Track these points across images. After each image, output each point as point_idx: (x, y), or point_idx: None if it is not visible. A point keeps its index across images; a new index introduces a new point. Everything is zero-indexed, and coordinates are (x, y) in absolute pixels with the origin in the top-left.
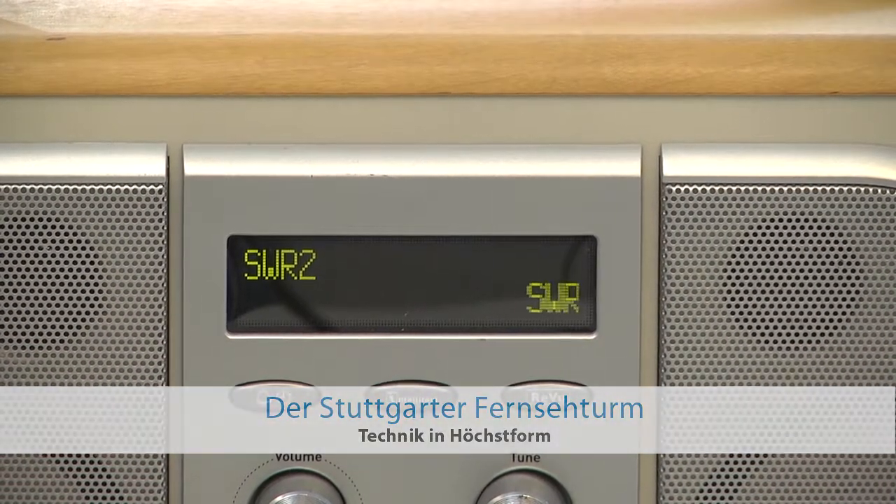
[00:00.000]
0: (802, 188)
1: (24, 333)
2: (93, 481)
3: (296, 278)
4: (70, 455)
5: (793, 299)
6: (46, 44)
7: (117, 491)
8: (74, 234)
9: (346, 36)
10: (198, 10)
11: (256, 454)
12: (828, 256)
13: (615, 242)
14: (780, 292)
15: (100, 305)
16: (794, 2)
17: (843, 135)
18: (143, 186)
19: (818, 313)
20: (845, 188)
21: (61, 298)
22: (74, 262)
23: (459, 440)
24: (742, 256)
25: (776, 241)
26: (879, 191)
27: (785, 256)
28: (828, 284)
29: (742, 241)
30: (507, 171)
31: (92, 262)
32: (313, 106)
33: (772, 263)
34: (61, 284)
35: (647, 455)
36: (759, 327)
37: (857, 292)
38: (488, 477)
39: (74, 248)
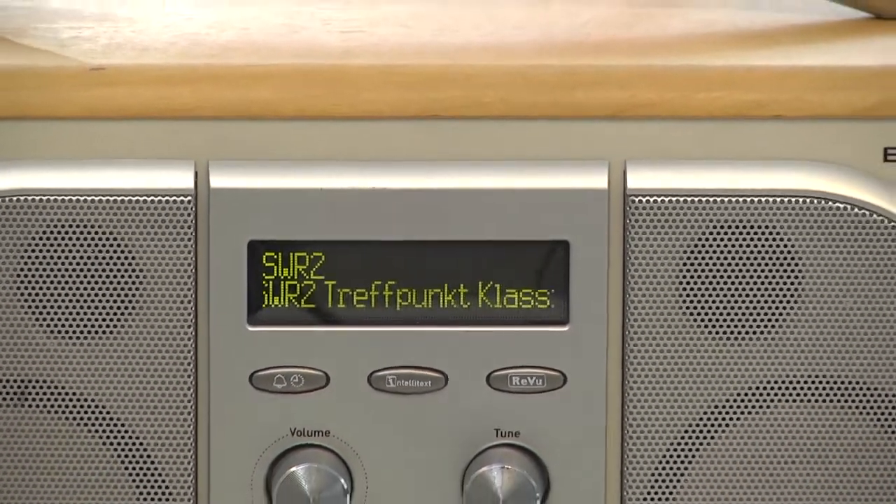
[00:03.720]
0: (749, 199)
1: (70, 325)
2: (132, 454)
3: (308, 277)
4: (113, 432)
5: (740, 296)
6: (89, 73)
7: (153, 463)
8: (114, 238)
9: (352, 66)
10: (221, 44)
11: (273, 431)
12: (770, 258)
13: (585, 246)
14: (729, 290)
15: (136, 301)
16: (743, 36)
17: (785, 152)
18: (173, 198)
19: (762, 308)
20: (787, 199)
21: (103, 295)
22: (114, 264)
23: (450, 418)
24: (696, 258)
25: (726, 245)
26: (817, 201)
27: (734, 258)
28: (770, 283)
29: (696, 245)
30: (490, 184)
31: (129, 264)
32: (323, 127)
33: (722, 264)
34: (103, 283)
35: (613, 429)
36: (710, 320)
37: (797, 290)
38: (475, 450)
39: (114, 251)
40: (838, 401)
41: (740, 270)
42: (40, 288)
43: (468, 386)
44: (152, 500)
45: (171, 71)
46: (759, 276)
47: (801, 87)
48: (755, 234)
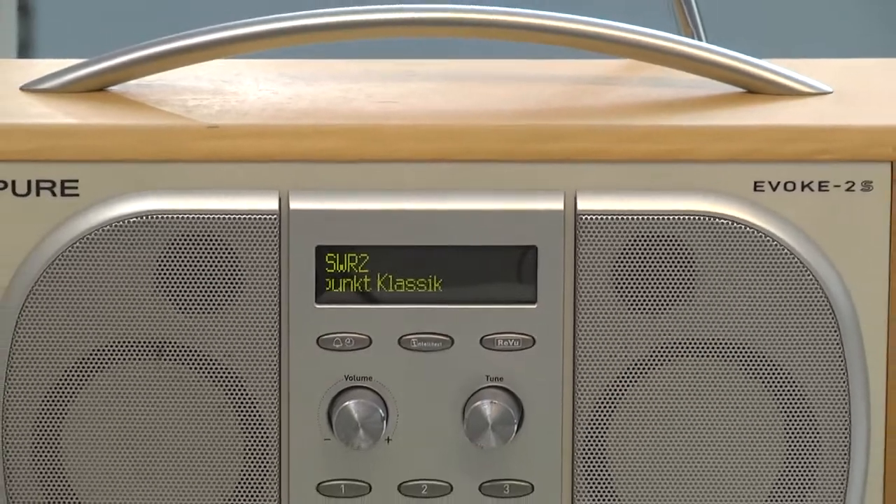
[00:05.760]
0: (662, 217)
1: (192, 302)
2: (235, 392)
3: (357, 271)
4: (221, 376)
5: (654, 283)
6: (206, 130)
7: (250, 398)
8: (223, 244)
9: (388, 125)
10: (298, 110)
11: (332, 377)
12: (676, 257)
13: (548, 250)
14: (647, 279)
15: (238, 287)
16: (658, 104)
17: (688, 186)
18: (264, 216)
19: (668, 295)
20: (688, 217)
21: (215, 282)
22: (223, 261)
23: (455, 369)
24: (625, 258)
25: (645, 249)
26: (708, 219)
27: (651, 257)
28: (676, 274)
29: (625, 249)
30: (482, 207)
31: (233, 261)
32: (367, 167)
33: (643, 261)
34: (215, 274)
35: (567, 375)
36: (635, 300)
37: (693, 279)
38: (471, 390)
39: (223, 253)
40: (726, 359)
41: (655, 265)
42: (172, 277)
43: (468, 346)
44: (248, 424)
45: (263, 129)
46: (667, 270)
47: (698, 140)
48: (666, 241)
